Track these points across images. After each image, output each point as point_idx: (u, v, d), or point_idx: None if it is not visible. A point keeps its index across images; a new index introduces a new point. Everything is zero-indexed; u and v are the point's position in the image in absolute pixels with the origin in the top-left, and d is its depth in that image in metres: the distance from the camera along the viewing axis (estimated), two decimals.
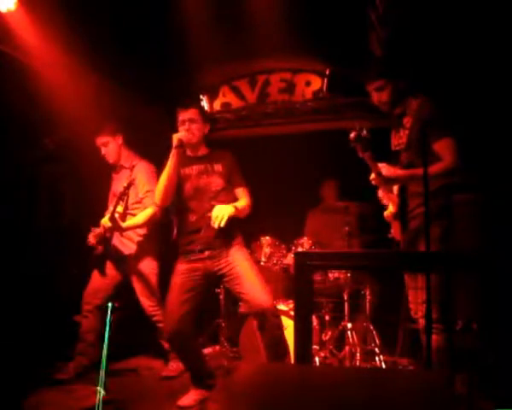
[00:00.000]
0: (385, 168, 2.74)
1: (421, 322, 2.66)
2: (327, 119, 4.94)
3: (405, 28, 3.46)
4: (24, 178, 4.08)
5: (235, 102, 5.15)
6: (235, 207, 3.02)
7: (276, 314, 3.15)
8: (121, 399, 3.26)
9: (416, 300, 2.77)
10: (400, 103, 2.87)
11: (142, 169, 3.75)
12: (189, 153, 3.26)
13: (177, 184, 3.14)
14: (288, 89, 4.90)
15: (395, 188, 2.99)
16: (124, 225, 3.54)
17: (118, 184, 3.73)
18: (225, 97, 5.18)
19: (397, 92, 2.86)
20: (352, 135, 2.59)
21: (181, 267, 3.13)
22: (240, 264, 3.08)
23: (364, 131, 2.59)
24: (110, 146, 3.80)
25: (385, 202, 3.05)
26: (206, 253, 3.08)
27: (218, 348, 4.16)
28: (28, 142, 3.91)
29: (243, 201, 3.17)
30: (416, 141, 2.75)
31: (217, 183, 3.17)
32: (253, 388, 1.50)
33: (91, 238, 3.71)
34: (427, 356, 2.25)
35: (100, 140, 3.80)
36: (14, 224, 3.96)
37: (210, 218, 2.97)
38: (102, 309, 3.83)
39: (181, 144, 3.03)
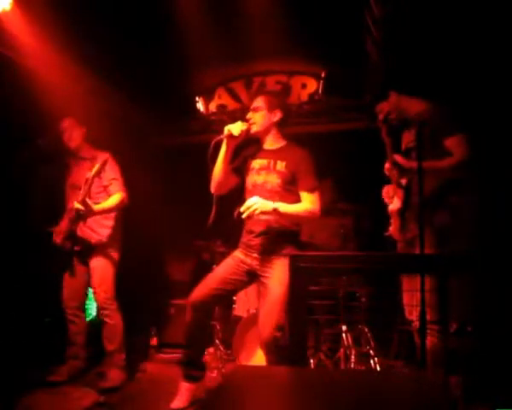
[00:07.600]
0: (400, 159, 2.77)
1: (417, 323, 2.65)
2: (323, 121, 4.95)
3: (401, 30, 3.47)
4: (17, 179, 4.04)
5: (231, 104, 5.15)
6: (276, 208, 2.74)
7: (272, 351, 2.89)
8: (115, 401, 3.27)
9: (412, 302, 2.76)
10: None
11: (105, 158, 3.65)
12: (263, 145, 3.09)
13: (243, 176, 3.06)
14: (284, 91, 4.90)
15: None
16: (95, 207, 3.51)
17: (78, 175, 3.67)
18: (221, 99, 5.18)
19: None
20: (381, 116, 2.72)
21: (237, 252, 3.09)
22: (273, 284, 2.87)
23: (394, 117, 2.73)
24: (75, 131, 3.77)
25: (388, 200, 3.02)
26: (254, 254, 2.99)
27: (212, 350, 4.14)
28: (22, 142, 3.88)
29: (301, 205, 2.88)
30: (426, 139, 2.75)
31: (273, 183, 2.93)
32: (247, 390, 1.50)
33: (57, 238, 3.68)
34: (422, 358, 2.25)
35: (66, 122, 3.76)
36: (6, 227, 3.93)
37: (257, 218, 2.81)
38: (84, 308, 3.84)
39: (230, 134, 2.86)
